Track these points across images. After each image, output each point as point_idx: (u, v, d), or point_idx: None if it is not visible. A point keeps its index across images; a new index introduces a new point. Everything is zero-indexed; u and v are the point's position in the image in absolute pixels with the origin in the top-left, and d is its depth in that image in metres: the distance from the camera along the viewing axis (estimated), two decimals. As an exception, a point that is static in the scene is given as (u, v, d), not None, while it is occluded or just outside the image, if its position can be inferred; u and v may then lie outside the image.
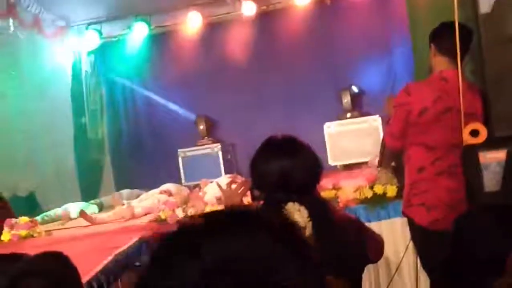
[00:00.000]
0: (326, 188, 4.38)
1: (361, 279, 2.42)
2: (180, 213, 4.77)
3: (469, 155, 3.05)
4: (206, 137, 7.13)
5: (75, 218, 5.44)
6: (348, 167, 6.14)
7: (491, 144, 3.04)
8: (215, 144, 6.96)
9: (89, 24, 7.15)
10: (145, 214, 5.14)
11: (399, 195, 3.96)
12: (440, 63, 3.35)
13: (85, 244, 4.18)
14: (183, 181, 6.82)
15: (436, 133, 3.26)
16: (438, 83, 3.30)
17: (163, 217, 4.77)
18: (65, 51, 7.10)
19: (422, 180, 3.31)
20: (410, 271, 4.08)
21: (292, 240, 0.93)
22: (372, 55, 6.64)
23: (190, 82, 7.26)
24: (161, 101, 7.48)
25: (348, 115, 6.50)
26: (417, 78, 4.33)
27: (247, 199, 2.62)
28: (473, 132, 3.05)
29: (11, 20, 5.88)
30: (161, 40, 7.37)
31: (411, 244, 3.74)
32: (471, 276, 2.05)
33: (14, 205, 5.37)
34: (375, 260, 2.59)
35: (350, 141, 6.18)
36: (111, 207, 5.62)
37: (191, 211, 4.77)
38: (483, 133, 3.04)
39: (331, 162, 6.23)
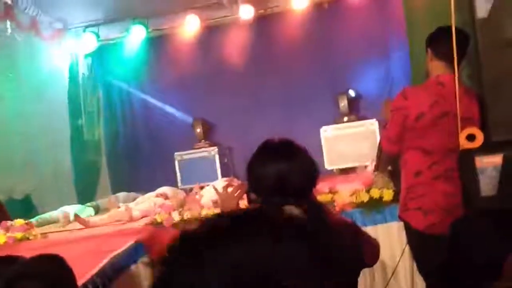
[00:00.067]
0: (322, 191, 4.37)
1: (356, 282, 2.41)
2: (176, 216, 4.76)
3: (466, 159, 3.04)
4: (203, 140, 7.13)
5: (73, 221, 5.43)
6: (344, 171, 6.14)
7: (487, 148, 3.04)
8: (212, 148, 6.96)
9: (87, 26, 7.15)
10: (142, 217, 5.13)
11: (395, 199, 3.96)
12: (436, 67, 3.35)
13: (81, 247, 4.17)
14: (179, 184, 6.82)
15: (433, 138, 3.26)
16: (435, 88, 3.30)
17: (159, 220, 4.76)
18: (63, 53, 7.10)
19: (418, 184, 3.31)
20: (406, 275, 4.07)
21: (296, 240, 0.93)
22: (369, 59, 6.66)
23: (187, 85, 7.26)
24: (158, 104, 7.49)
25: (345, 119, 6.51)
26: (414, 82, 4.33)
27: (243, 203, 2.61)
28: (470, 136, 3.05)
29: (8, 23, 5.87)
30: (158, 43, 7.38)
31: (407, 248, 3.74)
32: (467, 280, 2.05)
33: (10, 207, 5.35)
34: (371, 264, 2.58)
35: (347, 145, 6.18)
36: (107, 210, 5.61)
37: (187, 214, 4.76)
38: (480, 138, 3.04)
39: (328, 166, 6.22)
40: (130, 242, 4.11)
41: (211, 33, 7.13)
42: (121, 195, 6.29)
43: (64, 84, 7.09)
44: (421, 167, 3.30)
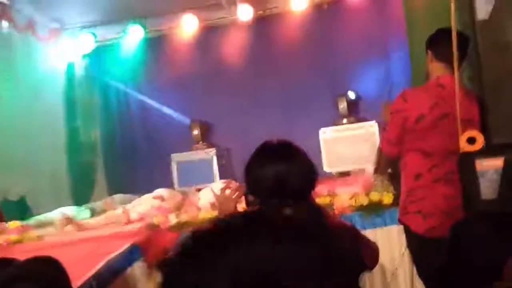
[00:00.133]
0: (321, 194, 4.35)
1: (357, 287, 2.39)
2: (173, 219, 4.73)
3: (466, 162, 3.03)
4: (200, 142, 7.10)
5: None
6: (343, 174, 6.10)
7: (488, 151, 3.03)
8: (209, 149, 6.92)
9: (84, 27, 7.12)
10: (140, 219, 5.10)
11: (395, 202, 3.95)
12: (436, 69, 3.34)
13: (77, 249, 4.15)
14: (176, 186, 6.79)
15: (433, 140, 3.25)
16: (435, 90, 3.29)
17: (155, 222, 4.73)
18: (59, 54, 7.08)
19: (418, 187, 3.30)
20: (406, 278, 4.05)
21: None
22: (369, 60, 6.64)
23: (185, 86, 7.24)
24: (156, 105, 7.46)
25: (344, 120, 6.48)
26: (414, 83, 4.32)
27: (241, 205, 2.58)
28: (470, 139, 3.04)
29: (4, 22, 5.85)
30: (156, 43, 7.35)
31: (406, 252, 3.72)
32: (467, 284, 2.04)
33: (5, 209, 5.34)
34: (371, 267, 2.56)
35: (346, 147, 6.14)
36: (104, 211, 5.59)
37: (184, 217, 4.74)
38: (480, 141, 3.03)
39: (327, 168, 6.18)
40: (126, 245, 4.10)
41: (209, 34, 7.11)
42: (118, 197, 6.26)
43: (61, 85, 7.07)
44: (421, 170, 3.29)
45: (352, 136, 6.20)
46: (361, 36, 6.64)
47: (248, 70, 6.98)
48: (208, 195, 4.84)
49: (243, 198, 2.47)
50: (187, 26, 7.02)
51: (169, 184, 6.51)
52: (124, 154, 7.44)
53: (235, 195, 2.55)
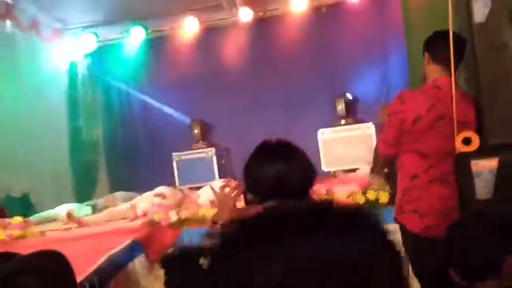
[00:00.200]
0: (319, 193, 4.39)
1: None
2: (173, 216, 4.77)
3: (462, 163, 3.05)
4: (200, 141, 7.14)
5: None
6: (347, 171, 6.13)
7: (483, 152, 3.06)
8: (209, 148, 6.96)
9: (86, 27, 7.16)
10: (144, 215, 5.14)
11: (391, 201, 3.97)
12: (433, 71, 3.36)
13: (79, 245, 4.18)
14: (177, 184, 6.83)
15: (430, 141, 3.27)
16: (432, 91, 3.31)
17: (156, 219, 4.77)
18: (62, 53, 7.10)
19: (414, 188, 3.32)
20: (402, 277, 4.07)
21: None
22: (367, 62, 6.67)
23: (186, 86, 7.27)
24: (157, 105, 7.49)
25: (342, 122, 6.52)
26: (412, 84, 4.34)
27: (240, 203, 2.62)
28: (466, 140, 3.06)
29: (8, 22, 5.88)
30: (157, 44, 7.38)
31: (402, 250, 3.73)
32: (462, 282, 2.06)
33: (8, 205, 5.36)
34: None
35: (344, 148, 6.19)
36: (105, 208, 5.62)
37: (184, 214, 4.78)
38: (476, 142, 3.05)
39: (325, 168, 6.24)
40: (127, 241, 4.13)
41: (210, 35, 7.14)
42: (119, 194, 6.31)
43: (63, 84, 7.10)
44: (417, 171, 3.31)
45: (350, 137, 6.25)
46: (360, 38, 6.66)
47: (248, 71, 7.01)
48: (208, 193, 4.88)
49: (242, 196, 2.50)
50: (188, 27, 7.06)
51: (169, 183, 6.55)
52: (125, 152, 7.47)
53: (234, 193, 2.57)
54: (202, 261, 1.94)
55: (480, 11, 3.41)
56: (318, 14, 6.77)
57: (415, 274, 3.55)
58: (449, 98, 3.12)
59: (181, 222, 4.67)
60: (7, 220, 4.89)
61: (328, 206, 0.93)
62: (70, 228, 5.06)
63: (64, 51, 7.15)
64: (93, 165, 7.40)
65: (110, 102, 7.67)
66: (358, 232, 0.88)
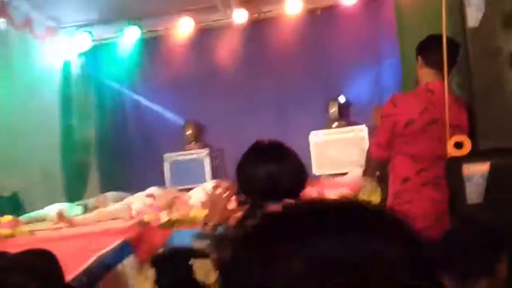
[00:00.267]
0: (311, 196, 4.38)
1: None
2: (164, 217, 4.76)
3: (453, 167, 3.07)
4: (193, 142, 7.13)
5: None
6: (337, 174, 6.12)
7: (475, 156, 3.07)
8: (202, 150, 6.95)
9: (81, 26, 7.13)
10: (137, 215, 5.13)
11: (383, 203, 3.97)
12: (426, 75, 3.38)
13: (68, 244, 4.15)
14: (168, 185, 6.81)
15: (422, 144, 3.28)
16: (425, 95, 3.33)
17: (146, 220, 4.76)
18: (56, 52, 7.07)
19: (406, 191, 3.33)
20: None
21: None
22: (361, 65, 6.67)
23: (180, 86, 7.26)
24: (151, 105, 7.47)
25: (335, 124, 6.51)
26: (405, 87, 4.36)
27: (232, 204, 2.61)
28: (458, 144, 3.08)
29: (2, 20, 5.85)
30: (152, 44, 7.36)
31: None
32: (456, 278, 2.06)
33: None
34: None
35: (336, 151, 6.18)
36: (95, 208, 5.60)
37: (175, 215, 4.77)
38: (468, 146, 3.06)
39: (316, 171, 6.20)
40: (117, 241, 4.12)
41: (205, 36, 7.13)
42: (110, 194, 6.27)
43: (56, 83, 7.06)
44: (409, 174, 3.32)
45: (342, 140, 6.23)
46: (353, 41, 6.66)
47: (242, 72, 7.00)
48: (199, 194, 4.87)
49: (234, 197, 2.49)
50: (183, 27, 7.04)
51: (161, 183, 6.54)
52: (118, 152, 7.44)
53: (226, 194, 2.57)
54: (192, 262, 1.94)
55: (473, 15, 3.42)
56: (312, 16, 6.77)
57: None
58: (442, 102, 3.14)
59: (171, 223, 4.66)
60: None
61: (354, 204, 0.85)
62: (61, 228, 5.02)
63: (58, 49, 7.10)
64: (85, 164, 7.36)
65: (103, 101, 7.64)
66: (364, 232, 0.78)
